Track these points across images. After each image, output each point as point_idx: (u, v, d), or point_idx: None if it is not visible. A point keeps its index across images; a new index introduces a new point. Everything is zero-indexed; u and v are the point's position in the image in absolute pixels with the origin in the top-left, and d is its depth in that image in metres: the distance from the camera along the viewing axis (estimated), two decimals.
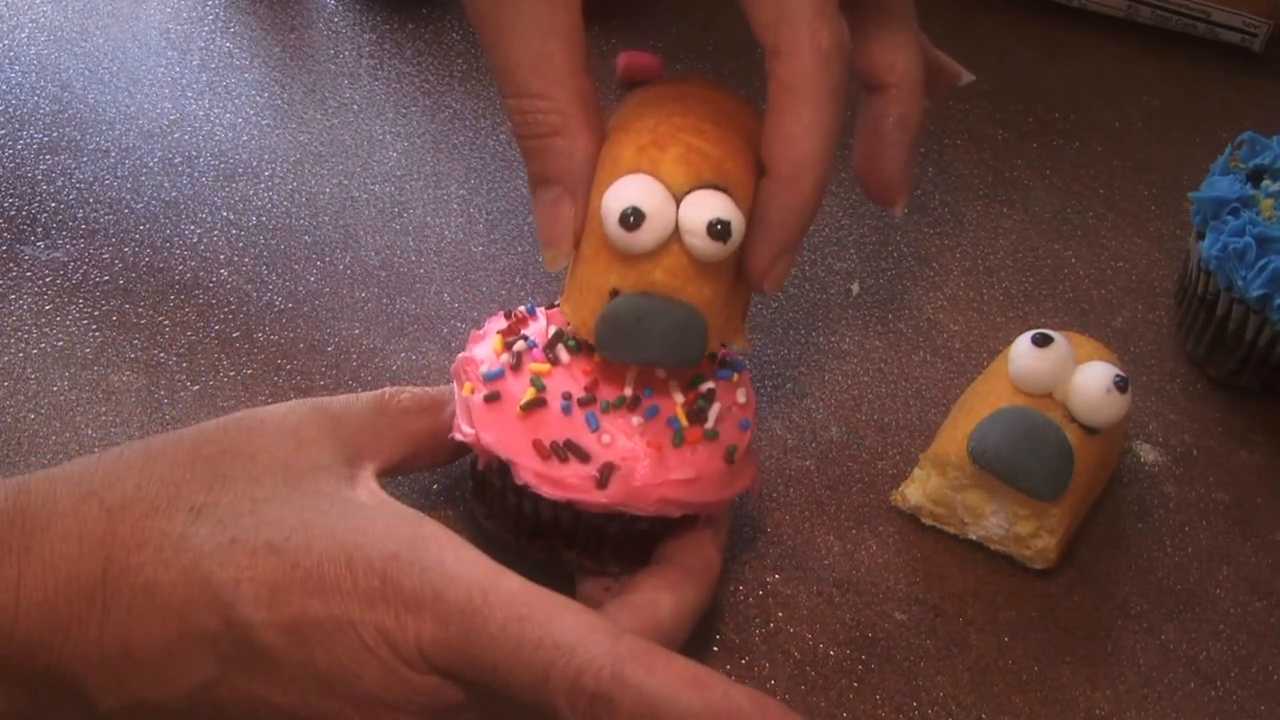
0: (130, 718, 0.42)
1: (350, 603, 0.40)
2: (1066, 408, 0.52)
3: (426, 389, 0.49)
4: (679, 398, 0.46)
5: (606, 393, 0.46)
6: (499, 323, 0.49)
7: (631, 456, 0.45)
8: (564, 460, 0.45)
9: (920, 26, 0.57)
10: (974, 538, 0.53)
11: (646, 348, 0.44)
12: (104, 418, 0.54)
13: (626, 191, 0.43)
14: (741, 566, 0.52)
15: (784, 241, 0.45)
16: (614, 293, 0.45)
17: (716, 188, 0.44)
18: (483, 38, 0.44)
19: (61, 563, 0.40)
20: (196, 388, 0.56)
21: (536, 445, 0.45)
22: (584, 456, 0.45)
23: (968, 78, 0.57)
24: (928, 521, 0.54)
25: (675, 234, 0.44)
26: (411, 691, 0.41)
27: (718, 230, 0.43)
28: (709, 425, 0.46)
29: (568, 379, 0.46)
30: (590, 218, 0.45)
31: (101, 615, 0.40)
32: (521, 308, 0.49)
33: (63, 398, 0.55)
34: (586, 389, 0.46)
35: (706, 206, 0.43)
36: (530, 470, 0.45)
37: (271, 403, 0.55)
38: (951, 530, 0.54)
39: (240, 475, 0.43)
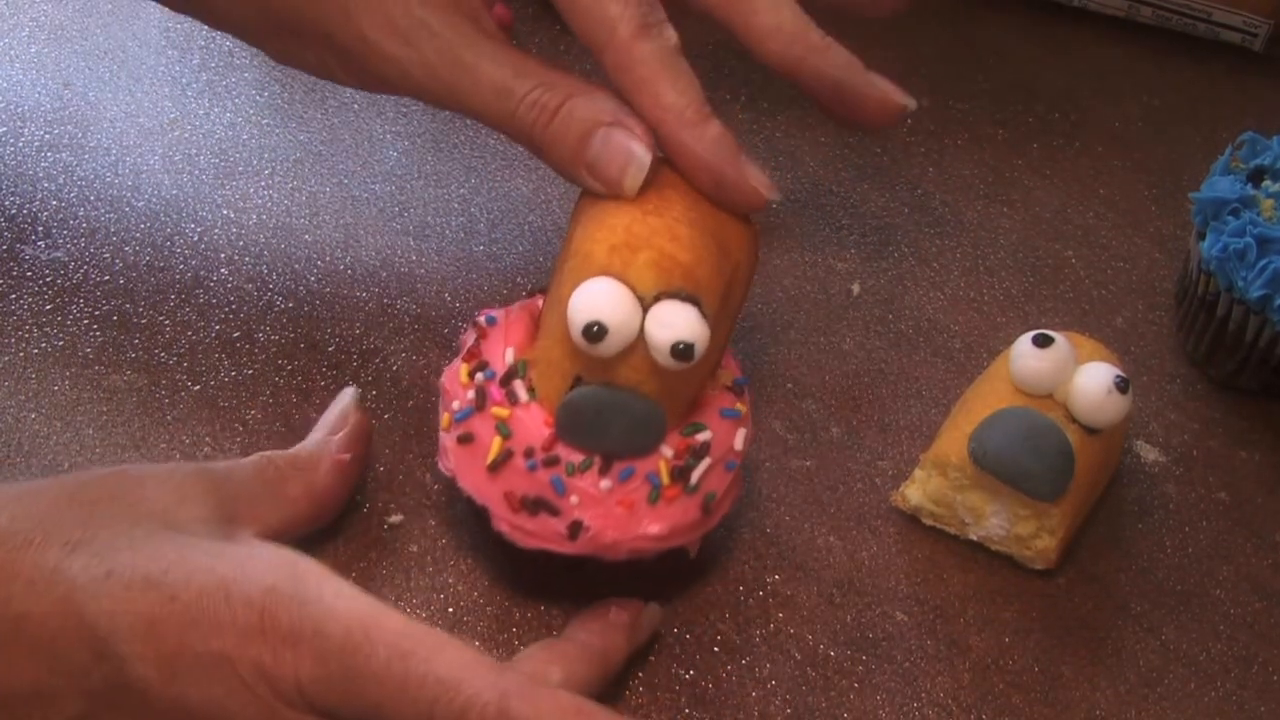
0: None
1: (228, 637, 0.39)
2: (1067, 408, 0.52)
3: (299, 450, 0.49)
4: (668, 451, 0.46)
5: (571, 455, 0.46)
6: (471, 336, 0.49)
7: (600, 516, 0.45)
8: (534, 514, 0.45)
9: (920, 27, 0.57)
10: (974, 538, 0.53)
11: (605, 439, 0.45)
12: (104, 418, 0.54)
13: (593, 300, 0.44)
14: (741, 566, 0.52)
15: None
16: (578, 379, 0.45)
17: (686, 298, 0.44)
18: (452, 98, 0.46)
19: None
20: (196, 388, 0.56)
21: (508, 497, 0.46)
22: (554, 511, 0.45)
23: None
24: (928, 522, 0.54)
25: (640, 336, 0.44)
26: None
27: (680, 351, 0.44)
28: (692, 483, 0.46)
29: (529, 423, 0.46)
30: (559, 302, 0.45)
31: None
32: (481, 318, 0.49)
33: (63, 398, 0.55)
34: (544, 446, 0.45)
35: (672, 325, 0.44)
36: (504, 520, 0.46)
37: (272, 403, 0.55)
38: (952, 531, 0.54)
39: (120, 517, 0.42)
